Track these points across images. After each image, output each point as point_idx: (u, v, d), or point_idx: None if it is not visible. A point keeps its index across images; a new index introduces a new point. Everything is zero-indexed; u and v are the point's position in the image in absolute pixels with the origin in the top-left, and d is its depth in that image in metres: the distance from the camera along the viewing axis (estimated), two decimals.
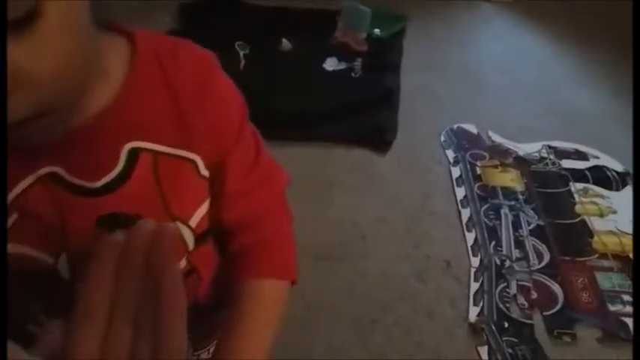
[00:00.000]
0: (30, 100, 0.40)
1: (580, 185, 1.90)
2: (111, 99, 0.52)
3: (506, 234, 1.73)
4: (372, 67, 2.38)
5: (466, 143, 2.05)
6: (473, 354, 1.42)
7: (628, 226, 1.76)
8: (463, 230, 1.73)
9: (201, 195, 0.61)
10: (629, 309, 1.53)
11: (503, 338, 1.45)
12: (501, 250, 1.67)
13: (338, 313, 1.49)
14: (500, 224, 1.75)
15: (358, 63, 2.39)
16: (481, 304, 1.52)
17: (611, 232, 1.75)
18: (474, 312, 1.50)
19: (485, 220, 1.76)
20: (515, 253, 1.67)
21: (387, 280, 1.59)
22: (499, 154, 2.02)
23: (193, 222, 0.60)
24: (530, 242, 1.70)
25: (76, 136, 0.51)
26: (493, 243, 1.69)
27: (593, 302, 1.55)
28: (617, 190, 1.90)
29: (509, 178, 1.92)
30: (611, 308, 1.54)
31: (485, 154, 2.01)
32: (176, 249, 0.33)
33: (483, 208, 1.80)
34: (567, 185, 1.90)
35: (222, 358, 0.59)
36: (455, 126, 2.12)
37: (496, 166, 1.96)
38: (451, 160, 1.98)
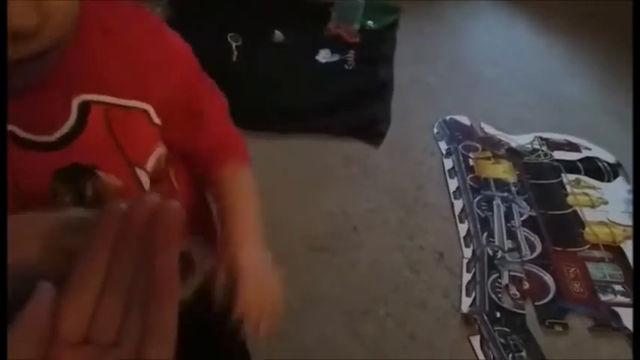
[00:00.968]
0: (50, 33, 0.48)
1: (572, 176, 1.91)
2: (59, 57, 0.55)
3: (498, 225, 1.73)
4: (365, 59, 2.37)
5: (459, 135, 2.06)
6: (465, 344, 1.43)
7: (619, 217, 1.77)
8: (456, 221, 1.74)
9: (154, 141, 0.66)
10: (620, 299, 1.55)
11: (496, 328, 1.46)
12: (493, 241, 1.68)
13: (331, 304, 1.50)
14: (493, 215, 1.76)
15: (351, 55, 2.39)
16: (473, 294, 1.53)
17: (602, 223, 1.76)
18: (466, 302, 1.51)
19: (478, 211, 1.77)
20: (508, 244, 1.68)
21: (380, 271, 1.59)
22: (491, 145, 2.02)
23: (149, 166, 0.65)
24: (522, 233, 1.71)
25: (30, 93, 0.54)
26: (485, 234, 1.70)
27: (585, 292, 1.56)
28: (609, 181, 1.91)
29: (502, 170, 1.92)
30: (603, 298, 1.55)
31: (477, 145, 2.02)
32: (178, 229, 0.33)
33: (476, 200, 1.81)
34: (559, 176, 1.91)
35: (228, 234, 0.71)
36: (447, 117, 2.13)
37: (488, 158, 1.97)
38: (444, 152, 1.98)
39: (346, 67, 2.35)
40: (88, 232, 0.34)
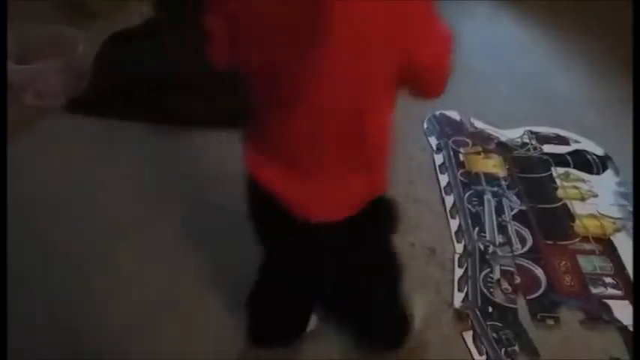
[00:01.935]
0: None
1: (561, 170, 1.92)
2: None
3: (489, 220, 1.73)
4: None
5: (449, 130, 2.05)
6: (458, 339, 1.43)
7: (608, 210, 1.78)
8: (447, 217, 1.73)
9: None
10: (610, 291, 1.56)
11: (488, 323, 1.46)
12: (485, 236, 1.68)
13: None
14: (484, 210, 1.76)
15: None
16: (465, 289, 1.53)
17: (592, 216, 1.76)
18: (458, 298, 1.51)
19: (469, 206, 1.77)
20: (499, 239, 1.68)
21: None
22: (481, 140, 2.02)
23: None
24: (513, 227, 1.71)
25: None
26: (477, 229, 1.70)
27: (576, 285, 1.57)
28: (598, 173, 1.92)
29: (492, 164, 1.93)
30: (594, 291, 1.55)
31: (467, 140, 2.02)
32: None
33: (467, 195, 1.81)
34: (549, 170, 1.92)
35: None
36: (437, 113, 2.13)
37: (479, 153, 1.97)
38: (434, 147, 1.98)
39: None
40: None
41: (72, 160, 1.87)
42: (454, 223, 1.71)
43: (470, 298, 1.51)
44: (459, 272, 1.57)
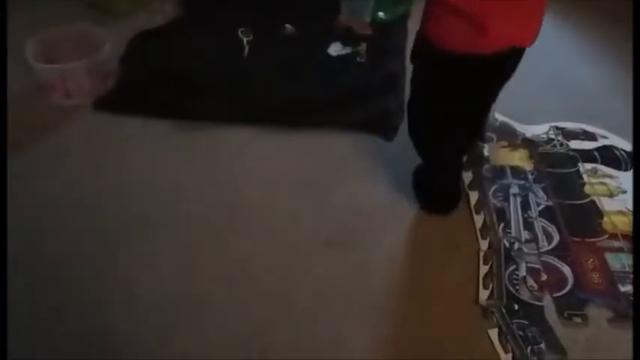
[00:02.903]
0: None
1: (589, 166, 1.89)
2: None
3: (515, 216, 1.72)
4: (377, 51, 2.36)
5: None
6: (483, 337, 1.42)
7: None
8: (472, 213, 1.72)
9: None
10: None
11: (514, 320, 1.45)
12: (510, 232, 1.67)
13: (346, 299, 1.49)
14: (509, 206, 1.75)
15: (363, 47, 2.37)
16: (491, 286, 1.52)
17: (620, 212, 1.73)
18: (483, 295, 1.50)
19: (494, 201, 1.75)
20: (525, 235, 1.66)
21: (395, 265, 1.59)
22: (507, 135, 2.00)
23: None
24: (539, 223, 1.70)
25: None
26: (502, 225, 1.68)
27: (604, 283, 1.55)
28: (626, 170, 1.88)
29: (518, 157, 1.91)
30: (622, 289, 1.53)
31: (492, 135, 2.00)
32: None
33: (492, 190, 1.79)
34: (576, 166, 1.89)
35: None
36: None
37: (505, 147, 1.95)
38: None
39: (358, 59, 2.33)
40: None
41: (100, 158, 1.90)
42: (479, 220, 1.70)
43: (495, 295, 1.50)
44: (484, 269, 1.56)
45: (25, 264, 1.52)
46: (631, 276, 1.55)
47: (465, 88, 1.38)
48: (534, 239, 1.65)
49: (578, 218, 1.72)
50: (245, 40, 2.33)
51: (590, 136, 2.00)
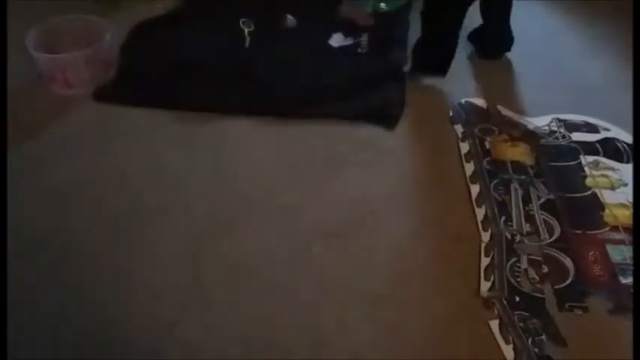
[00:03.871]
0: None
1: (590, 158, 1.89)
2: None
3: (516, 208, 1.72)
4: (379, 43, 2.35)
5: (475, 118, 2.03)
6: (484, 328, 1.42)
7: None
8: (473, 205, 1.72)
9: None
10: None
11: (515, 312, 1.45)
12: (512, 225, 1.67)
13: (349, 290, 1.49)
14: (510, 199, 1.74)
15: (364, 38, 2.36)
16: (492, 278, 1.52)
17: (622, 205, 1.73)
18: (485, 286, 1.50)
19: (495, 194, 1.75)
20: (526, 228, 1.66)
21: (398, 256, 1.59)
22: (509, 128, 2.00)
23: None
24: (540, 216, 1.69)
25: None
26: (503, 218, 1.68)
27: (605, 275, 1.55)
28: (628, 162, 1.88)
29: (520, 152, 1.90)
30: (623, 281, 1.53)
31: (494, 128, 1.99)
32: None
33: (493, 183, 1.79)
34: (578, 158, 1.89)
35: None
36: (463, 101, 2.10)
37: (506, 141, 1.94)
38: (460, 135, 1.96)
39: (359, 50, 2.33)
40: None
41: (100, 149, 1.90)
42: (480, 212, 1.70)
43: (497, 287, 1.50)
44: (485, 261, 1.56)
45: (23, 257, 1.52)
46: (632, 268, 1.55)
47: None
48: (536, 232, 1.65)
49: (580, 211, 1.72)
50: (246, 30, 2.32)
51: (593, 129, 2.00)
